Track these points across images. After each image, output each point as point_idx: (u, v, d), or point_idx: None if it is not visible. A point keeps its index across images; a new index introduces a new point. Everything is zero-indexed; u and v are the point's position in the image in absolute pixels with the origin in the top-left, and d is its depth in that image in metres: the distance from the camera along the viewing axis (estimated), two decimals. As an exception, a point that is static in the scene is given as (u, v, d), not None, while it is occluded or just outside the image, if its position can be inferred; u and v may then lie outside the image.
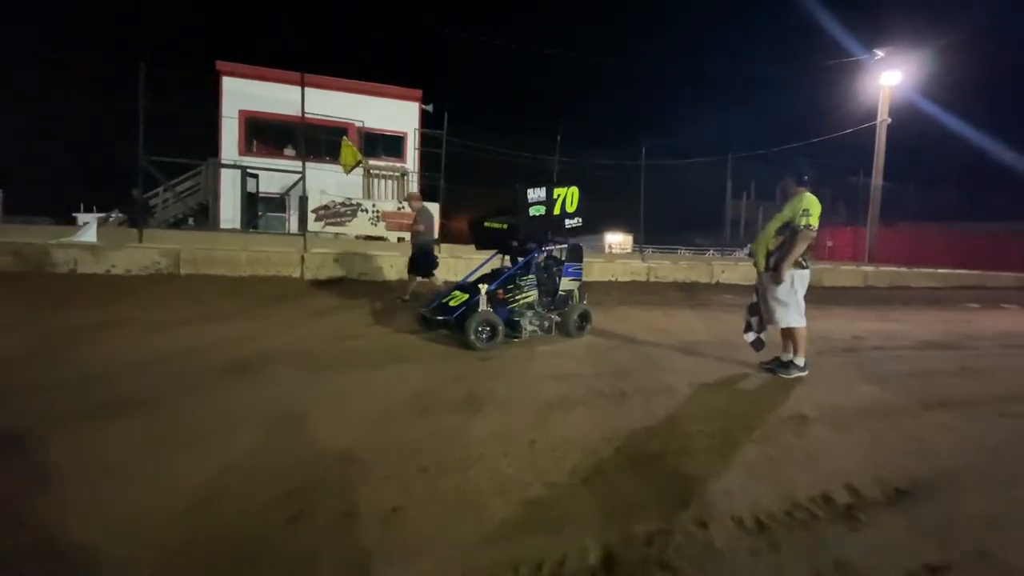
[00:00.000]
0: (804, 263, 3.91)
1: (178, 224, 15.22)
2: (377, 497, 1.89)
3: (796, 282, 3.93)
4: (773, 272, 3.94)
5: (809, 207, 3.78)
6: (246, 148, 16.25)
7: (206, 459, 2.13)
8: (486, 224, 5.09)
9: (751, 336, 4.23)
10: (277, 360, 3.81)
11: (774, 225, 4.01)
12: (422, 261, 7.21)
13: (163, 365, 3.57)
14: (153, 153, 10.09)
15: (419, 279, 7.22)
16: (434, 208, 13.53)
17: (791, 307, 3.93)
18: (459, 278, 8.92)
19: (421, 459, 2.23)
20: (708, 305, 8.47)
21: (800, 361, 3.91)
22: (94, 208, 22.73)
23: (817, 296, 10.84)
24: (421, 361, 4.04)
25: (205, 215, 16.29)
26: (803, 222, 3.78)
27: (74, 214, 22.10)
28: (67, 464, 2.02)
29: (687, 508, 1.88)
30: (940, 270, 15.63)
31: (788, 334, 3.98)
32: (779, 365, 4.01)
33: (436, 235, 7.84)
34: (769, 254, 4.02)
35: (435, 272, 7.35)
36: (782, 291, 3.93)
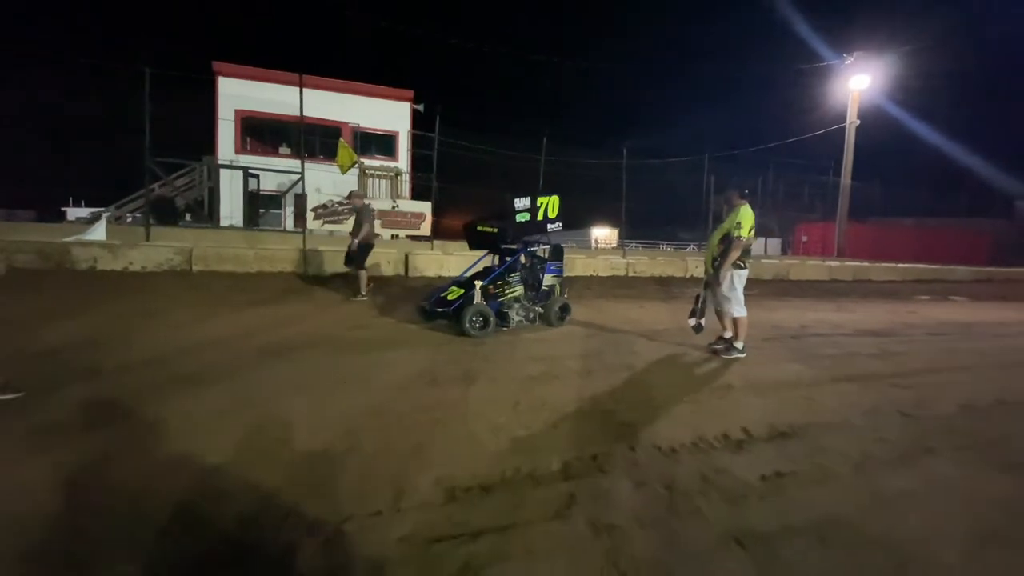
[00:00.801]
0: (742, 265, 4.74)
1: (175, 220, 15.69)
2: (404, 438, 2.66)
3: (736, 281, 4.76)
4: (715, 274, 4.77)
5: (742, 220, 4.60)
6: (242, 147, 16.73)
7: (276, 415, 2.88)
8: (479, 228, 5.85)
9: (693, 321, 5.06)
10: (303, 345, 4.55)
11: (717, 236, 4.84)
12: (361, 256, 7.48)
13: (211, 348, 4.30)
14: (148, 151, 10.57)
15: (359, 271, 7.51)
16: (426, 207, 14.26)
17: (734, 301, 4.76)
18: (451, 274, 9.68)
19: (434, 414, 3.00)
20: (679, 298, 9.30)
21: (740, 344, 4.74)
22: (82, 203, 22.96)
23: (783, 289, 11.84)
24: (424, 346, 4.80)
25: (200, 212, 16.80)
26: (736, 233, 4.60)
27: (63, 209, 22.33)
28: (187, 419, 2.76)
29: (623, 440, 2.69)
30: (901, 265, 16.71)
31: (733, 323, 4.81)
32: (724, 346, 4.83)
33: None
34: (714, 259, 4.84)
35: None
36: (725, 288, 4.76)
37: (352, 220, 7.74)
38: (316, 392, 3.32)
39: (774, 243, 24.10)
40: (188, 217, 16.79)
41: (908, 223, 25.63)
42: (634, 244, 26.45)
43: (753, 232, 4.66)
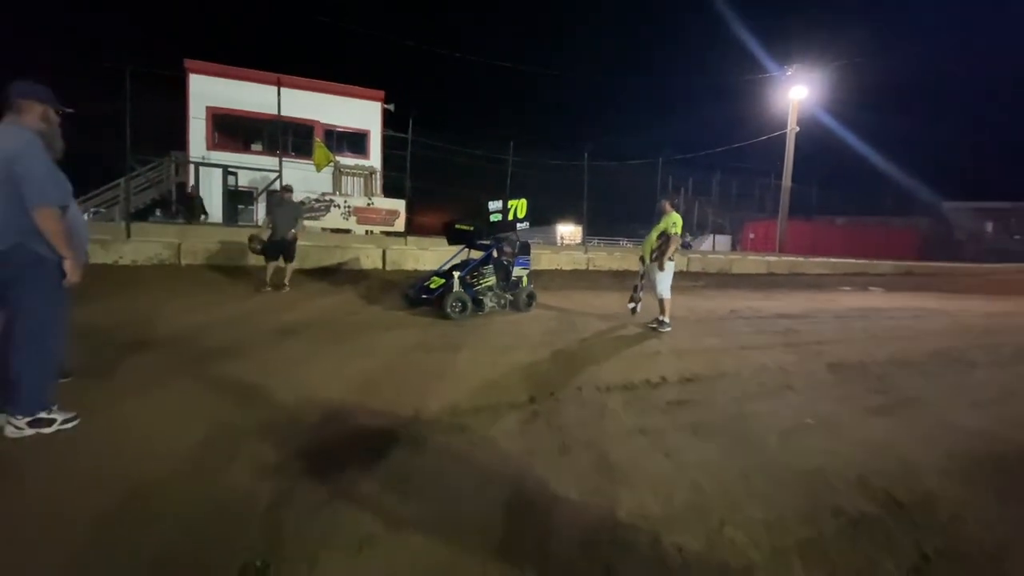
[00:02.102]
0: (672, 258, 5.87)
1: (144, 215, 15.89)
2: (414, 383, 3.59)
3: (669, 269, 5.89)
4: (655, 263, 5.89)
5: (676, 222, 5.75)
6: (213, 144, 16.97)
7: (302, 379, 3.75)
8: (457, 226, 6.79)
9: (631, 305, 6.23)
10: (307, 327, 5.38)
11: (655, 233, 5.95)
12: (289, 249, 7.78)
13: (228, 329, 5.07)
14: (114, 146, 10.89)
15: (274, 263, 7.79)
16: (400, 204, 14.99)
17: (665, 284, 5.90)
18: (427, 267, 10.53)
19: (429, 371, 3.94)
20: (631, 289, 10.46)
21: (667, 319, 5.87)
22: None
23: (724, 281, 13.25)
24: (413, 327, 5.71)
25: (168, 207, 16.98)
26: (673, 231, 5.74)
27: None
28: (231, 381, 3.60)
29: (573, 382, 3.72)
30: (832, 259, 18.58)
31: (662, 304, 5.94)
32: (657, 324, 5.95)
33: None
34: (652, 251, 5.96)
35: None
36: (661, 274, 5.88)
37: (275, 215, 7.71)
38: (332, 359, 4.20)
39: (724, 240, 25.88)
40: (157, 212, 16.96)
41: (843, 221, 27.99)
42: (596, 240, 27.74)
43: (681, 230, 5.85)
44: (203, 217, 14.40)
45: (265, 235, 7.71)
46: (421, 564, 1.70)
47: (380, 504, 2.03)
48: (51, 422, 2.54)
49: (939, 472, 2.56)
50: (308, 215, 14.44)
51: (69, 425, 2.59)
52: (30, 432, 2.49)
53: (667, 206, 5.89)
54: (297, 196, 14.90)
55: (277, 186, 15.48)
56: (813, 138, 24.33)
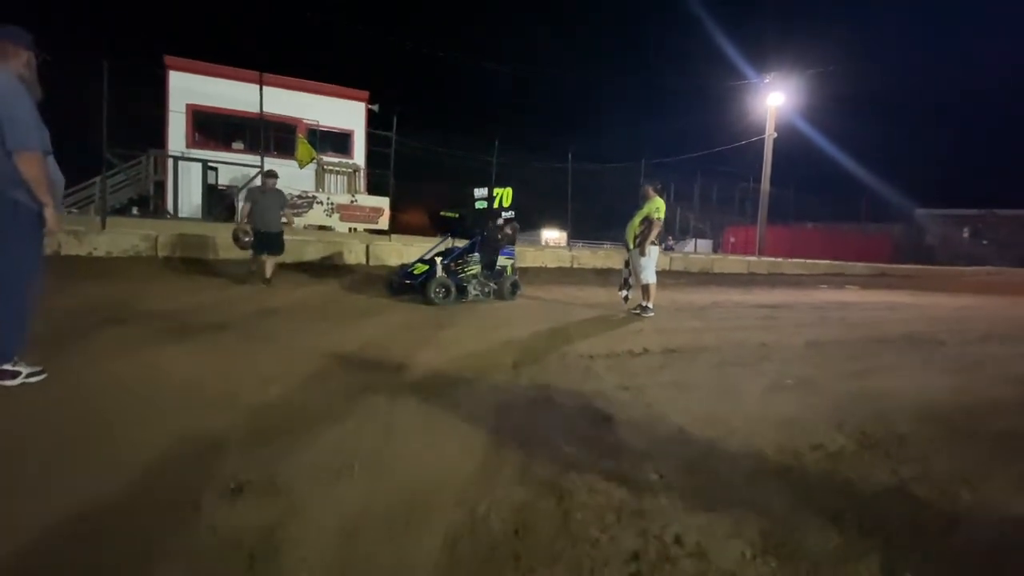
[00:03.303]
0: (656, 242, 5.94)
1: (124, 211, 15.55)
2: (402, 353, 3.56)
3: (652, 253, 5.96)
4: (639, 248, 5.94)
5: (659, 207, 5.82)
6: (193, 141, 16.73)
7: (282, 346, 3.70)
8: (442, 214, 6.79)
9: (622, 293, 6.26)
10: (293, 310, 5.31)
11: (638, 218, 6.01)
12: (276, 242, 7.18)
13: (213, 310, 4.98)
14: (91, 141, 10.67)
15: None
16: (384, 202, 14.94)
17: (649, 269, 5.95)
18: (412, 260, 10.48)
19: (413, 343, 3.91)
20: (614, 285, 10.55)
21: (651, 305, 5.93)
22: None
23: (706, 280, 13.45)
24: (399, 311, 5.67)
25: (146, 204, 16.66)
26: (656, 216, 5.81)
27: None
28: (233, 344, 3.53)
29: (558, 351, 3.72)
30: (809, 260, 18.99)
31: (646, 289, 5.99)
32: (641, 310, 6.00)
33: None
34: (636, 237, 6.02)
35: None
36: (644, 260, 5.94)
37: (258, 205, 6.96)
38: (313, 334, 4.15)
39: (705, 244, 26.30)
40: (135, 211, 16.61)
41: (820, 226, 28.66)
42: (581, 244, 27.93)
43: (664, 216, 5.91)
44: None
45: (248, 227, 6.99)
46: (398, 487, 1.68)
47: (359, 443, 2.01)
48: (16, 374, 2.46)
49: (911, 419, 2.62)
50: (292, 212, 14.35)
51: (35, 379, 2.51)
52: (-8, 384, 2.40)
53: (650, 191, 5.97)
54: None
55: (259, 182, 15.40)
56: (791, 144, 24.95)
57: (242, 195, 16.35)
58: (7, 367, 2.45)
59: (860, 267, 19.82)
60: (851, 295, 11.53)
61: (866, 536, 1.51)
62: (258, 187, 7.31)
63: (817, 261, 19.13)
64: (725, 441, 2.20)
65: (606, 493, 1.70)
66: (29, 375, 2.50)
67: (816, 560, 1.38)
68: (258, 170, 14.89)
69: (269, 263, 7.20)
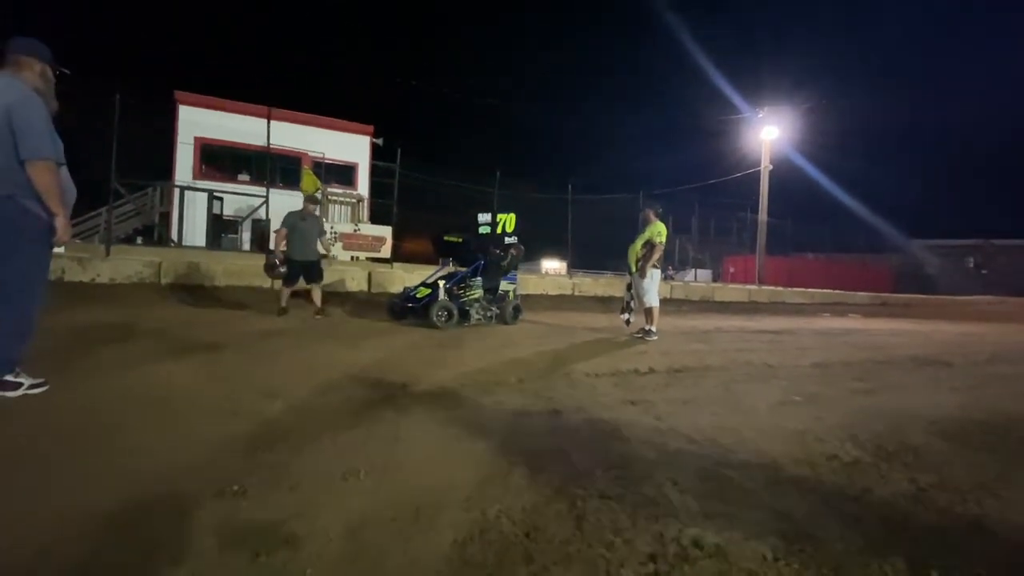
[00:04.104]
0: (658, 266, 5.97)
1: (129, 241, 15.68)
2: (406, 370, 3.52)
3: (655, 276, 5.97)
4: (640, 271, 5.97)
5: (660, 231, 5.88)
6: (200, 172, 17.04)
7: (287, 363, 3.67)
8: (446, 238, 6.84)
9: (624, 316, 6.25)
10: (294, 332, 5.29)
11: (640, 242, 6.06)
12: (314, 269, 6.87)
13: (214, 331, 4.95)
14: (99, 173, 10.87)
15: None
16: (387, 231, 15.09)
17: (652, 292, 5.95)
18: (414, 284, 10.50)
19: (417, 361, 3.88)
20: (616, 311, 10.55)
21: (654, 328, 5.90)
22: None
23: (708, 307, 13.44)
24: (402, 334, 5.64)
25: (151, 234, 16.82)
26: (657, 240, 5.86)
27: None
28: (235, 361, 3.50)
29: (563, 370, 3.69)
30: (810, 290, 19.02)
31: (648, 312, 5.98)
32: (644, 333, 5.97)
33: None
34: (638, 260, 6.05)
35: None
36: (646, 283, 5.96)
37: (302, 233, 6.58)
38: (319, 352, 4.12)
39: (705, 274, 26.34)
40: (139, 240, 16.76)
41: (819, 257, 28.82)
42: (581, 273, 28.04)
43: (666, 239, 5.96)
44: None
45: (282, 255, 6.52)
46: (405, 491, 1.64)
47: (365, 450, 1.97)
48: (17, 386, 2.43)
49: (924, 432, 2.57)
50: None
51: (37, 391, 2.48)
52: (-8, 394, 2.37)
53: (651, 215, 6.04)
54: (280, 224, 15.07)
55: (262, 214, 15.58)
56: (787, 176, 25.39)
57: (247, 224, 16.60)
58: (9, 378, 2.42)
59: (861, 296, 19.84)
60: (853, 322, 11.50)
61: (890, 538, 1.46)
62: (296, 212, 6.81)
63: (818, 290, 19.16)
64: (737, 451, 2.15)
65: (619, 498, 1.65)
66: (31, 387, 2.47)
67: (840, 562, 1.33)
68: (262, 200, 15.16)
69: (315, 292, 6.84)
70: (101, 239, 14.17)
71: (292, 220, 6.67)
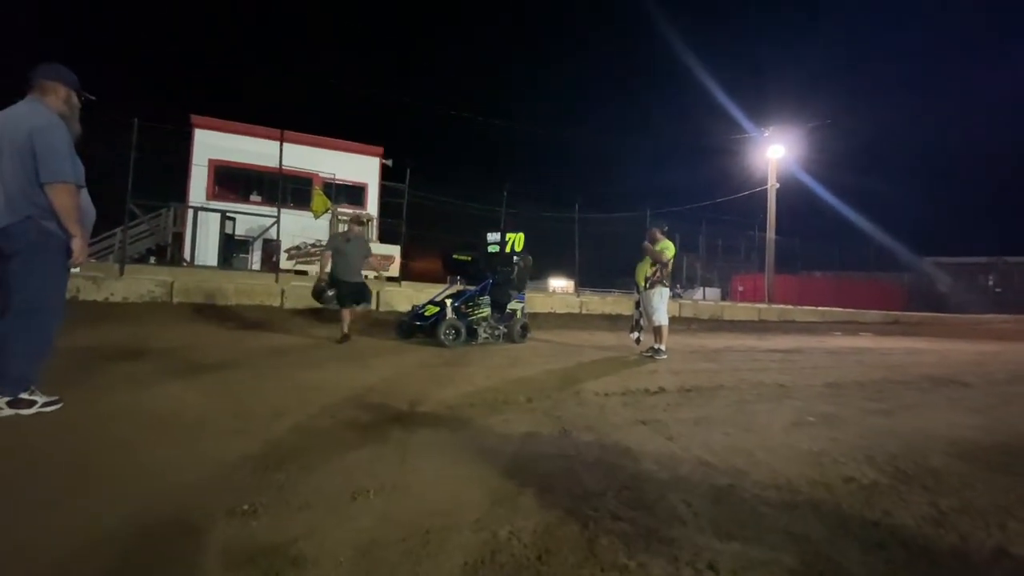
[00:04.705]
0: (666, 284, 5.96)
1: (142, 261, 15.93)
2: (414, 388, 3.52)
3: (664, 295, 5.96)
4: (649, 289, 5.96)
5: (666, 249, 5.89)
6: (213, 193, 17.36)
7: (297, 381, 3.67)
8: (455, 256, 6.88)
9: (634, 335, 6.22)
10: (303, 350, 5.31)
11: (649, 260, 6.06)
12: (363, 292, 6.65)
13: (224, 350, 4.99)
14: (115, 195, 11.11)
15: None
16: (395, 250, 15.22)
17: (661, 311, 5.93)
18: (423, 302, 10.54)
19: (429, 380, 3.87)
20: (624, 329, 10.49)
21: (663, 347, 5.86)
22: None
23: (717, 326, 13.33)
24: (411, 352, 5.64)
25: (164, 254, 17.08)
26: (665, 257, 5.86)
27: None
28: (244, 379, 3.52)
29: (572, 389, 3.66)
30: (821, 308, 18.82)
31: (658, 331, 5.94)
32: (653, 352, 5.93)
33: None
34: (647, 279, 6.05)
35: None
36: (655, 301, 5.94)
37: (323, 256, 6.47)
38: (326, 371, 4.13)
39: (713, 293, 26.21)
40: (152, 260, 17.01)
41: (829, 275, 28.61)
42: (588, 291, 28.03)
43: (673, 257, 5.97)
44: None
45: (328, 280, 6.26)
46: (414, 511, 1.62)
47: (374, 469, 1.96)
48: (31, 403, 2.46)
49: (943, 454, 2.51)
50: (301, 259, 14.62)
51: (51, 408, 2.50)
52: (8, 412, 2.39)
53: (657, 234, 6.06)
54: (295, 242, 15.23)
55: (273, 234, 15.78)
56: (795, 194, 25.41)
57: (258, 244, 16.81)
58: (24, 396, 2.45)
59: (873, 314, 19.58)
60: (866, 341, 11.34)
61: (912, 563, 1.42)
62: (341, 234, 6.57)
63: (828, 309, 18.96)
64: (751, 473, 2.11)
65: (631, 520, 1.62)
66: (45, 404, 2.49)
67: (861, 587, 1.30)
68: (273, 220, 15.36)
69: (350, 314, 6.42)
70: (116, 258, 14.43)
71: (336, 242, 6.45)
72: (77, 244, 2.52)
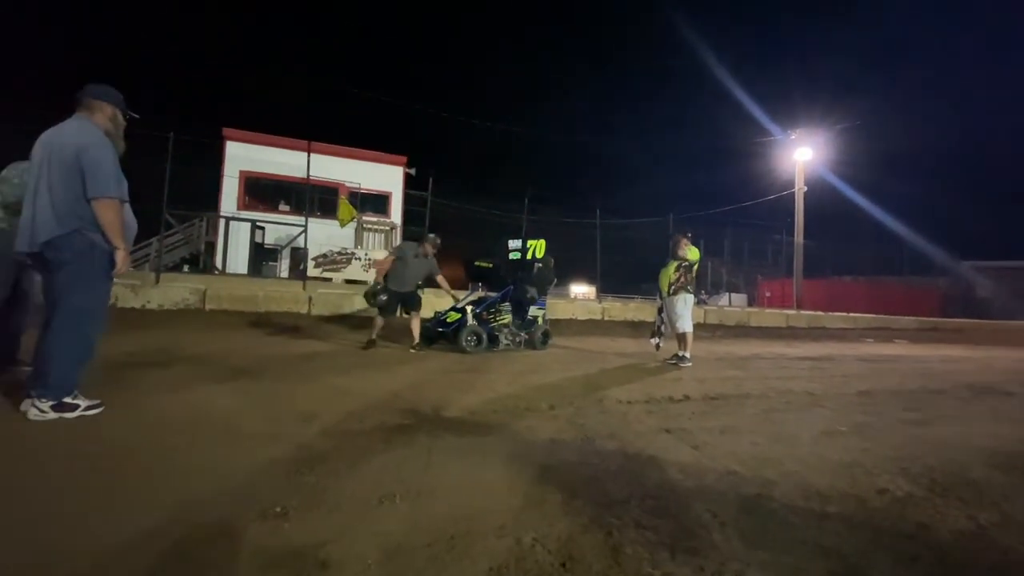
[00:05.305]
0: (690, 290, 5.89)
1: (176, 269, 16.49)
2: (438, 395, 3.56)
3: (688, 301, 5.89)
4: (673, 295, 5.90)
5: (689, 254, 5.83)
6: (243, 203, 17.89)
7: (334, 386, 3.75)
8: (476, 263, 6.94)
9: (654, 341, 6.16)
10: (331, 356, 5.41)
11: (673, 266, 6.00)
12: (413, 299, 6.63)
13: (254, 355, 5.13)
14: (152, 206, 11.56)
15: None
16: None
17: (685, 317, 5.86)
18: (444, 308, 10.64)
19: (451, 386, 3.91)
20: (647, 336, 10.38)
21: (688, 354, 5.77)
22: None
23: (743, 333, 13.07)
24: (433, 359, 5.70)
25: (197, 262, 17.66)
26: (692, 262, 5.82)
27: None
28: (274, 384, 3.62)
29: (594, 396, 3.64)
30: (852, 314, 18.27)
31: (682, 338, 5.87)
32: (677, 359, 5.85)
33: None
34: (670, 284, 5.99)
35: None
36: (680, 307, 5.87)
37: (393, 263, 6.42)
38: (352, 377, 4.21)
39: (739, 298, 25.70)
40: (186, 268, 17.60)
41: (860, 280, 27.76)
42: (610, 298, 27.82)
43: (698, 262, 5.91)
44: None
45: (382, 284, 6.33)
46: (439, 517, 1.64)
47: (400, 474, 1.99)
48: (74, 407, 2.57)
49: (983, 465, 2.42)
50: (328, 267, 14.91)
51: (92, 412, 2.61)
52: (53, 416, 2.50)
53: (682, 240, 5.99)
54: (322, 250, 15.55)
55: (301, 242, 16.18)
56: (824, 197, 24.80)
57: (286, 252, 17.22)
58: (67, 400, 2.57)
59: (908, 321, 18.92)
60: (900, 348, 10.97)
61: (949, 579, 1.38)
62: (412, 245, 6.66)
63: (861, 315, 18.38)
64: (780, 484, 2.07)
65: (656, 529, 1.61)
66: (87, 408, 2.61)
67: (894, 603, 1.26)
68: (301, 229, 15.74)
69: (414, 322, 6.49)
70: (151, 267, 14.97)
71: (404, 251, 6.53)
72: (120, 256, 2.64)
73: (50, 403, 2.52)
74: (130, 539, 1.42)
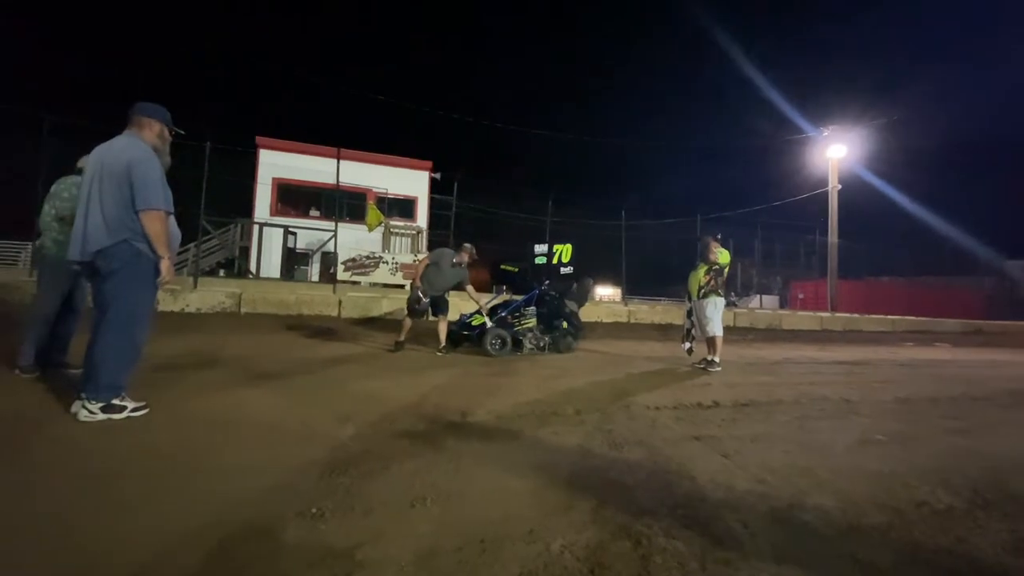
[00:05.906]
0: (721, 293, 5.80)
1: (212, 274, 17.10)
2: (466, 399, 3.60)
3: (718, 304, 5.81)
4: (703, 299, 5.83)
5: (720, 257, 5.75)
6: (276, 209, 18.42)
7: (365, 389, 3.85)
8: (502, 267, 7.00)
9: (686, 345, 6.09)
10: (361, 359, 5.54)
11: (703, 269, 5.93)
12: (441, 303, 6.73)
13: (288, 358, 5.29)
14: (192, 211, 12.02)
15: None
16: (444, 261, 15.60)
17: (715, 321, 5.78)
18: (469, 311, 10.73)
19: (478, 390, 3.96)
20: (676, 340, 10.24)
21: (717, 359, 5.69)
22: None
23: (775, 336, 12.76)
24: (458, 361, 5.78)
25: (232, 267, 18.27)
26: (722, 264, 5.75)
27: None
28: (308, 387, 3.74)
29: (621, 402, 3.63)
30: (891, 317, 17.61)
31: (711, 342, 5.78)
32: (707, 364, 5.77)
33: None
34: (700, 287, 5.91)
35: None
36: (709, 310, 5.80)
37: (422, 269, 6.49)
38: (381, 380, 4.30)
39: (771, 300, 25.10)
40: (222, 273, 18.23)
41: (899, 281, 26.74)
42: (636, 300, 27.52)
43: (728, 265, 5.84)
44: None
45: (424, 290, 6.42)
46: (469, 521, 1.68)
47: (430, 478, 2.04)
48: (122, 409, 2.71)
49: (1033, 479, 2.32)
50: (357, 271, 15.21)
51: (139, 413, 2.75)
52: (101, 417, 2.65)
53: (711, 242, 5.92)
54: (351, 254, 15.90)
55: (331, 247, 16.57)
56: (859, 196, 24.02)
57: (317, 256, 17.65)
58: (115, 401, 2.71)
59: (950, 323, 18.13)
60: (942, 352, 10.52)
61: (991, 597, 1.34)
62: (450, 252, 6.72)
63: (899, 317, 17.71)
64: (813, 494, 2.04)
65: (686, 539, 1.61)
66: (134, 410, 2.75)
67: (933, 620, 1.24)
68: (331, 234, 16.13)
69: (442, 326, 6.58)
70: (189, 272, 15.52)
71: (439, 256, 6.56)
72: (165, 265, 2.78)
73: (99, 405, 2.67)
74: (180, 536, 1.50)
